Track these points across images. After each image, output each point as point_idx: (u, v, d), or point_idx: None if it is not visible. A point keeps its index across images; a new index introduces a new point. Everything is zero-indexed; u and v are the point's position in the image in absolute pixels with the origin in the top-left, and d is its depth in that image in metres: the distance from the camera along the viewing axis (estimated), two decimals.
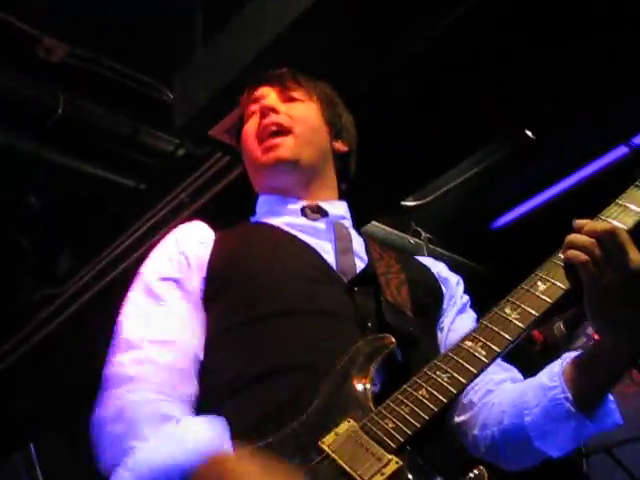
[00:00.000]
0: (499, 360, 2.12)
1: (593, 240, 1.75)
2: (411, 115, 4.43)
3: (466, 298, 2.31)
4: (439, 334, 2.18)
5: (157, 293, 2.06)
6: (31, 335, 6.23)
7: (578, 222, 1.81)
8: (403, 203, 5.58)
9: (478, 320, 2.25)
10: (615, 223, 1.84)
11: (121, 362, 1.93)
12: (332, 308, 1.94)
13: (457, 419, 2.08)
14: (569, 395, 1.84)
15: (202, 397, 1.94)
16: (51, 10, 4.72)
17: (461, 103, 4.43)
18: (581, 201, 5.37)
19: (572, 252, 1.78)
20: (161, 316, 2.02)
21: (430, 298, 2.19)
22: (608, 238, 1.75)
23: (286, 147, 2.25)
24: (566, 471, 5.88)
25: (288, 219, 2.23)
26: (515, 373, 2.15)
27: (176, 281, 2.07)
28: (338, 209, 2.30)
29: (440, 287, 2.26)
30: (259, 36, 3.71)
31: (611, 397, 1.89)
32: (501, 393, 2.04)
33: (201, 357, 1.99)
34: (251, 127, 2.34)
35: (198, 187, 5.06)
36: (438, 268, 2.34)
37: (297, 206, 2.26)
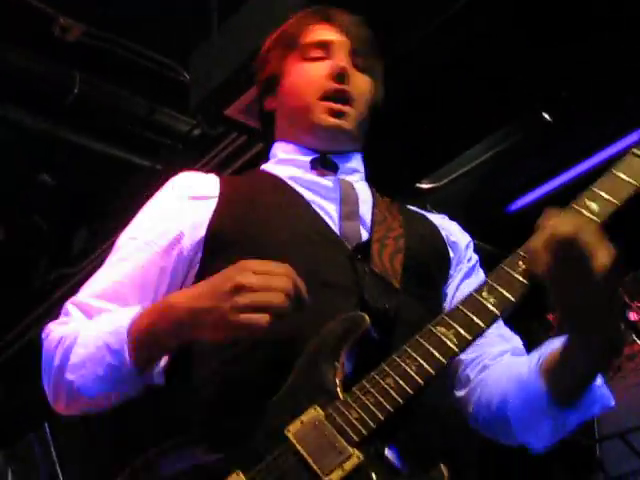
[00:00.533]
0: (502, 329, 2.10)
1: (549, 252, 1.58)
2: (428, 97, 4.41)
3: (474, 259, 2.22)
4: (443, 300, 2.11)
5: (121, 254, 2.02)
6: (46, 315, 6.25)
7: (549, 214, 1.64)
8: (418, 185, 5.56)
9: None
10: (606, 196, 1.69)
11: (52, 326, 1.95)
12: (333, 279, 1.89)
13: (457, 394, 2.03)
14: (546, 389, 1.77)
15: (191, 356, 1.92)
16: None
17: (478, 85, 4.40)
18: None
19: (530, 259, 1.65)
20: (112, 280, 1.98)
21: (433, 264, 2.10)
22: (567, 249, 1.56)
23: (351, 118, 2.17)
24: (580, 457, 5.88)
25: (296, 172, 2.16)
26: (516, 343, 2.08)
27: (148, 243, 2.00)
28: (350, 161, 2.24)
29: (447, 252, 2.16)
30: (274, 15, 3.69)
31: (599, 382, 1.79)
32: (495, 371, 1.98)
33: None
34: (315, 75, 2.20)
35: (214, 167, 5.05)
36: (449, 230, 2.24)
37: (308, 158, 2.20)
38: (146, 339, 1.75)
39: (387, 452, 1.66)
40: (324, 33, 2.26)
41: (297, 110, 2.22)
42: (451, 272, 2.15)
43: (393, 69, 3.99)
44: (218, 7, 4.38)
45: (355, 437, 1.60)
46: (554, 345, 1.81)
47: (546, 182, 5.52)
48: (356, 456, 1.57)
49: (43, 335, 1.94)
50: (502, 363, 2.00)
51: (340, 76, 2.17)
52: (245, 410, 1.71)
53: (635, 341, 5.93)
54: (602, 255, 1.57)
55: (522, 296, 1.68)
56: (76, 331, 1.84)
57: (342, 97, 2.17)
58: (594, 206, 1.70)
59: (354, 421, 1.62)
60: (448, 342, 1.67)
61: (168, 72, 5.12)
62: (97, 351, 1.77)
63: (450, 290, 2.13)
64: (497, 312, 1.68)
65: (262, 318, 1.62)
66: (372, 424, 1.61)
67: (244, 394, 1.77)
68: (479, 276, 2.20)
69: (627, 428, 5.53)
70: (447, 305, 2.11)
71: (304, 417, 1.64)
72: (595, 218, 1.68)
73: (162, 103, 5.29)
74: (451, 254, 2.17)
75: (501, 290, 1.69)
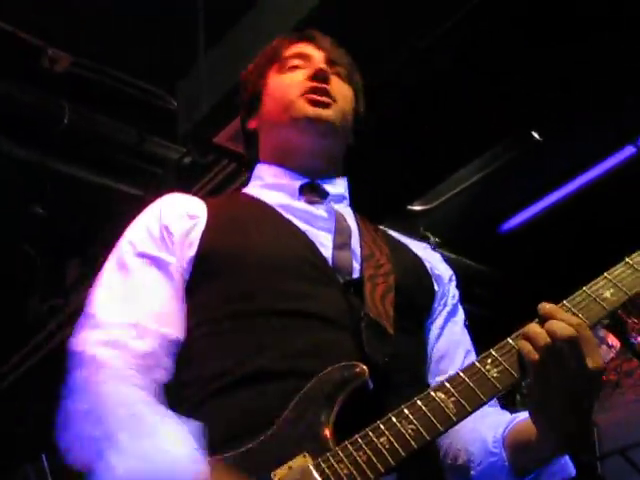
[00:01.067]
0: None
1: (550, 342, 1.62)
2: (417, 118, 4.41)
3: (457, 296, 2.19)
4: (429, 337, 2.07)
5: (131, 270, 1.95)
6: (41, 345, 6.23)
7: (544, 307, 1.68)
8: (410, 207, 5.57)
9: (466, 320, 2.17)
10: (622, 289, 1.74)
11: (88, 340, 1.84)
12: (328, 313, 1.83)
13: None
14: (507, 464, 1.79)
15: (177, 386, 1.86)
16: (55, 21, 4.72)
17: (466, 106, 4.41)
18: (589, 202, 5.37)
19: (525, 347, 1.65)
20: (133, 296, 1.91)
21: (420, 299, 2.07)
22: (567, 345, 1.61)
23: (334, 110, 2.13)
24: (581, 475, 5.86)
25: (286, 200, 2.11)
26: None
27: (154, 259, 1.95)
28: (338, 188, 2.19)
29: (432, 285, 2.12)
30: (260, 42, 3.70)
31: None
32: (467, 424, 1.89)
33: (179, 340, 1.89)
34: (295, 79, 2.17)
35: (205, 195, 5.04)
36: (433, 262, 2.20)
37: (297, 183, 2.14)
38: None
39: None
40: (303, 48, 2.25)
41: (279, 111, 2.17)
42: (435, 305, 2.11)
43: (382, 92, 4.01)
44: (204, 35, 4.39)
45: None
46: (520, 419, 1.84)
47: (538, 201, 5.54)
48: None
49: (77, 345, 1.84)
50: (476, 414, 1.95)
51: (320, 76, 2.15)
52: (230, 449, 1.65)
53: (632, 358, 5.92)
54: (596, 358, 1.63)
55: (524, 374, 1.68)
56: (133, 402, 1.73)
57: (323, 92, 2.14)
58: (607, 294, 1.75)
59: (344, 476, 1.57)
60: (447, 410, 1.64)
61: (157, 101, 5.12)
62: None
63: (435, 327, 2.10)
64: (500, 387, 1.67)
65: None
66: None
67: (231, 431, 1.71)
68: (460, 317, 2.18)
69: (627, 444, 5.52)
70: (433, 340, 2.08)
71: (292, 463, 1.60)
72: (606, 306, 1.73)
73: (152, 132, 5.29)
74: (436, 287, 2.13)
75: (506, 365, 1.68)
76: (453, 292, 2.19)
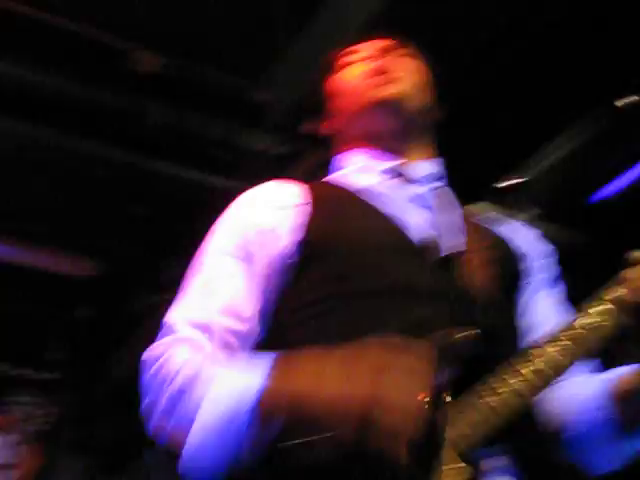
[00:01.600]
0: None
1: None
2: (503, 93, 4.38)
3: (551, 272, 2.18)
4: (520, 310, 2.06)
5: (208, 267, 1.98)
6: (140, 343, 6.32)
7: (634, 254, 1.69)
8: (498, 185, 5.51)
9: (569, 298, 2.15)
10: None
11: (157, 345, 1.87)
12: (423, 288, 1.85)
13: None
14: (614, 417, 1.79)
15: None
16: (137, 21, 4.79)
17: (558, 72, 4.36)
18: None
19: (625, 289, 1.66)
20: (207, 293, 1.93)
21: (508, 274, 2.05)
22: None
23: (402, 83, 2.14)
24: None
25: (378, 181, 2.11)
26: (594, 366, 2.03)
27: (239, 256, 1.96)
28: (428, 168, 2.17)
29: (518, 262, 2.10)
30: (343, 27, 3.71)
31: None
32: (564, 389, 1.92)
33: (254, 332, 1.90)
34: (356, 70, 2.22)
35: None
36: (518, 240, 2.18)
37: (388, 165, 2.14)
38: (269, 425, 1.63)
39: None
40: (356, 47, 2.30)
41: (349, 103, 2.21)
42: (523, 281, 2.09)
43: (467, 68, 3.99)
44: (287, 24, 4.41)
45: (463, 448, 1.58)
46: (623, 371, 1.84)
47: (629, 171, 5.43)
48: (466, 470, 1.56)
49: (151, 353, 1.87)
50: (574, 382, 1.96)
51: (377, 55, 2.19)
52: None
53: None
54: None
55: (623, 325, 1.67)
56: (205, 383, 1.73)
57: (384, 70, 2.16)
58: None
59: (460, 434, 1.59)
60: (557, 360, 1.65)
61: (243, 93, 5.16)
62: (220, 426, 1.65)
63: (524, 301, 2.08)
64: (606, 332, 1.66)
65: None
66: (479, 440, 1.59)
67: None
68: (555, 289, 2.17)
69: None
70: (523, 315, 2.06)
71: None
72: None
73: (240, 124, 5.33)
74: (523, 264, 2.10)
75: (608, 314, 1.67)
76: (545, 268, 2.17)
